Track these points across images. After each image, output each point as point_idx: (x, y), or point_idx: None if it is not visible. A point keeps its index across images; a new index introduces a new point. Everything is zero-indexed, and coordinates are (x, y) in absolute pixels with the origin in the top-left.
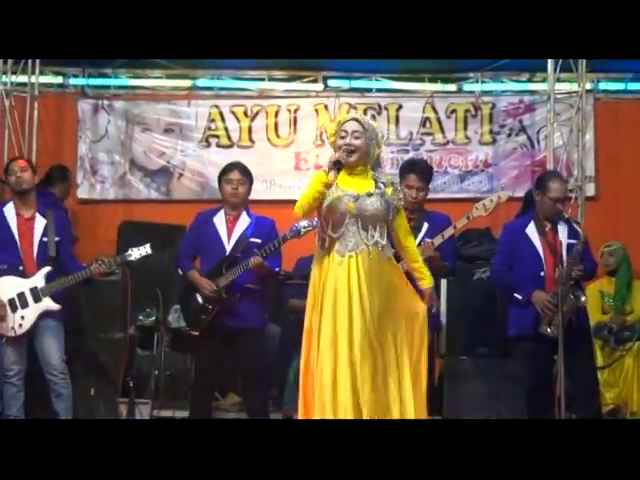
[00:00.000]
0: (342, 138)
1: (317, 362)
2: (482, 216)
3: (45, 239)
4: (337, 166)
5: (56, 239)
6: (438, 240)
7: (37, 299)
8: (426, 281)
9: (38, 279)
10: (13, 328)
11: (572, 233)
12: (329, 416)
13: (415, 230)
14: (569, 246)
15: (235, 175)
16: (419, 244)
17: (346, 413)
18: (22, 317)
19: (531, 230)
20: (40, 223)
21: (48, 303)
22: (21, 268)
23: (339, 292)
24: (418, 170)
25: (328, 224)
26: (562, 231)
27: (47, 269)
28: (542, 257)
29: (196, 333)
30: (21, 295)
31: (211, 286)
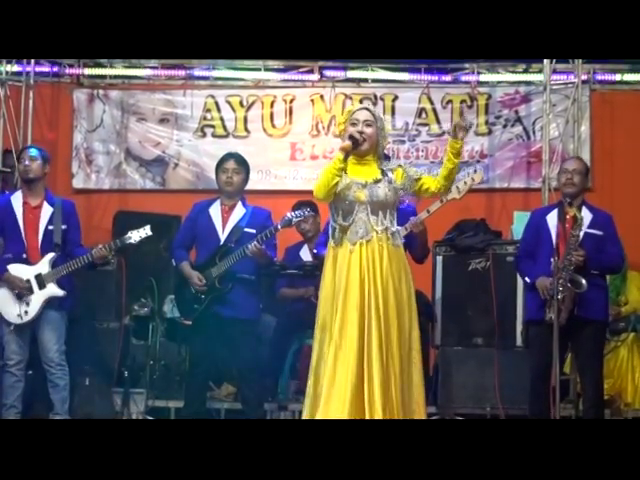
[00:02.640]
0: (354, 125)
1: (328, 352)
2: (456, 199)
3: (51, 227)
4: (352, 140)
5: (63, 227)
6: (424, 215)
7: (42, 285)
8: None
9: (43, 266)
10: (19, 315)
11: (595, 223)
12: (337, 404)
13: None
14: (587, 235)
15: (231, 164)
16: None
17: (352, 401)
18: (27, 304)
19: (552, 216)
20: (47, 211)
21: (52, 289)
22: (24, 256)
23: (351, 281)
24: None
25: (338, 213)
26: (585, 220)
27: (51, 255)
28: (555, 244)
29: (189, 322)
30: (27, 282)
31: (201, 281)
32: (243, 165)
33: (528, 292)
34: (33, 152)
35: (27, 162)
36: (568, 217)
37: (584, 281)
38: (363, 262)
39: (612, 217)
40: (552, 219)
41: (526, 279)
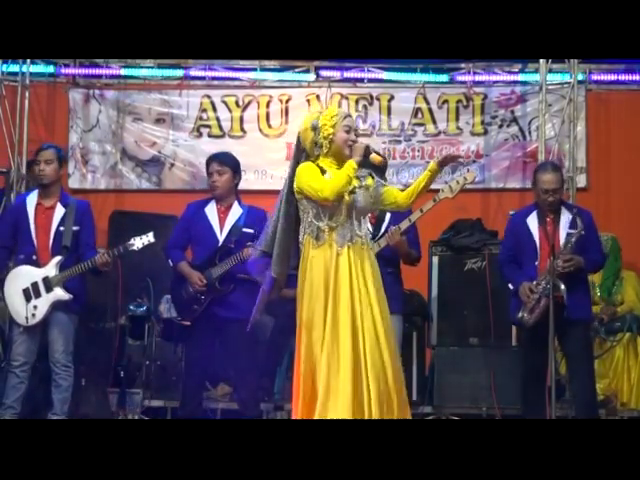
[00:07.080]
0: (347, 132)
1: (322, 351)
2: (448, 198)
3: (62, 228)
4: (366, 152)
5: (74, 228)
6: (405, 224)
7: (49, 289)
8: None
9: (50, 268)
10: (27, 318)
11: (574, 223)
12: (338, 410)
13: (379, 220)
14: (569, 236)
15: (214, 167)
16: (385, 232)
17: (348, 399)
18: (35, 307)
19: (532, 219)
20: (59, 212)
21: (59, 293)
22: (34, 257)
23: (341, 283)
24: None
25: (325, 214)
26: (564, 221)
27: (58, 258)
28: (538, 247)
29: (187, 323)
30: (35, 285)
31: (202, 281)
32: (227, 164)
33: (512, 297)
34: (49, 154)
35: (42, 166)
36: (548, 219)
37: (563, 286)
38: (352, 265)
39: (591, 214)
40: (533, 222)
41: (510, 286)
